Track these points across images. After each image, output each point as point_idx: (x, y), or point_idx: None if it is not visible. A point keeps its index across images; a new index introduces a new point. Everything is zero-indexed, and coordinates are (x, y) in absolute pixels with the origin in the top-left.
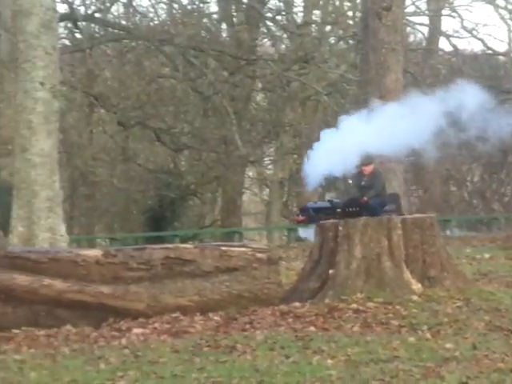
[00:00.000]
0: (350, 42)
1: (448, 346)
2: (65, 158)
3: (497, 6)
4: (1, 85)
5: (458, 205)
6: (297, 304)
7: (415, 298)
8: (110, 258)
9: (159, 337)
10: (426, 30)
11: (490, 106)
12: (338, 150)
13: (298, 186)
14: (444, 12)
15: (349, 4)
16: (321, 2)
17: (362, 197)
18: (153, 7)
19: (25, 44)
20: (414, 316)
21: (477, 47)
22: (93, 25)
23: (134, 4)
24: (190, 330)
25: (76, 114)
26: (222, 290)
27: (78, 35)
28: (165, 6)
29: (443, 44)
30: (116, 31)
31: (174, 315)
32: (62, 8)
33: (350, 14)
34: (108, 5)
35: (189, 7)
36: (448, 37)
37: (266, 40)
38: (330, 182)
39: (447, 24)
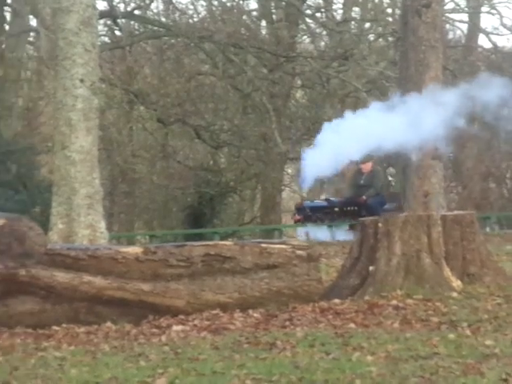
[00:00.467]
0: (390, 39)
1: (488, 342)
2: (104, 155)
3: None
4: (40, 82)
5: (497, 202)
6: (337, 301)
7: (455, 294)
8: (150, 255)
9: (199, 334)
10: (465, 27)
11: None
12: (338, 147)
13: (337, 184)
14: (483, 9)
15: (388, 1)
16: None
17: (361, 195)
18: (192, 4)
19: (64, 41)
20: (454, 313)
21: None
22: (132, 22)
23: (174, 1)
24: (230, 327)
25: (115, 111)
26: (262, 287)
27: (117, 32)
28: (204, 3)
29: (482, 41)
30: (155, 28)
31: (213, 312)
32: (102, 5)
33: (390, 11)
34: (147, 2)
35: (228, 4)
36: (487, 34)
37: (305, 37)
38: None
39: (486, 21)
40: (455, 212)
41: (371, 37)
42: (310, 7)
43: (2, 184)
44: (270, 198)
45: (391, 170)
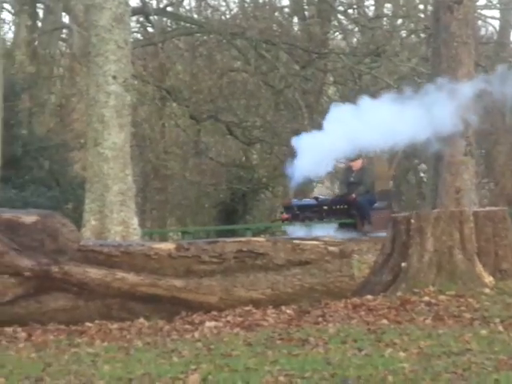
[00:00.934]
0: (422, 35)
1: None
2: (137, 151)
3: None
4: (73, 79)
5: None
6: (369, 297)
7: (487, 290)
8: (183, 251)
9: (232, 330)
10: (497, 23)
11: None
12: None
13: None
14: None
15: None
16: None
17: (351, 193)
18: (224, 1)
19: (97, 38)
20: (486, 309)
21: None
22: (165, 19)
23: None
24: (263, 323)
25: (148, 107)
26: (295, 284)
27: (149, 29)
28: (236, 0)
29: None
30: (188, 25)
31: (246, 308)
32: (135, 2)
33: (422, 7)
34: None
35: (260, 1)
36: None
37: (337, 33)
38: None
39: None
40: (487, 208)
41: (403, 33)
42: (342, 3)
43: (35, 180)
44: (301, 194)
45: (423, 166)
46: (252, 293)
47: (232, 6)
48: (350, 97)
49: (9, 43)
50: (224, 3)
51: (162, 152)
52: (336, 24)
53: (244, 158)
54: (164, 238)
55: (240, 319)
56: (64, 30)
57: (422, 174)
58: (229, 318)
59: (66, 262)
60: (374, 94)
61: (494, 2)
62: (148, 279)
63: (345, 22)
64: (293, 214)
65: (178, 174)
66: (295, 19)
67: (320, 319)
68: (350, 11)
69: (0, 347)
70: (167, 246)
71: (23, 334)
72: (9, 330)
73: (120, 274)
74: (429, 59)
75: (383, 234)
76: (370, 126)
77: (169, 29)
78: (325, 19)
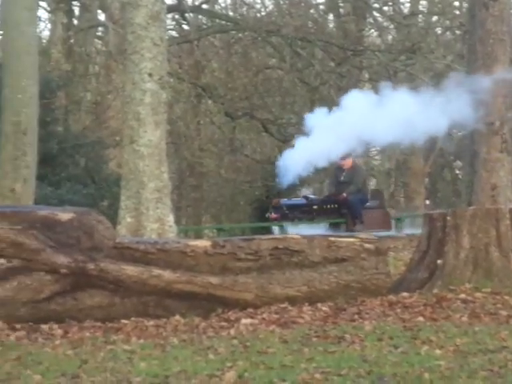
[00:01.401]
0: (457, 32)
1: None
2: (172, 148)
3: None
4: (108, 77)
5: None
6: (405, 294)
7: None
8: (219, 248)
9: (268, 327)
10: None
11: None
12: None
13: (404, 177)
14: None
15: None
16: None
17: (341, 193)
18: None
19: (133, 36)
20: None
21: None
22: (200, 16)
23: None
24: (299, 321)
25: (183, 105)
26: (331, 281)
27: (185, 26)
28: None
29: None
30: (223, 22)
31: (282, 306)
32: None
33: (457, 4)
34: None
35: None
36: None
37: (372, 30)
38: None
39: None
40: None
41: (438, 30)
42: (377, 1)
43: (71, 178)
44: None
45: (458, 163)
46: (288, 290)
47: (267, 3)
48: None
49: (45, 41)
50: (259, 1)
51: (198, 149)
52: (371, 21)
53: (279, 155)
54: (199, 235)
55: (276, 316)
56: (100, 28)
57: (457, 171)
58: (265, 316)
59: (101, 259)
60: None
61: None
62: (184, 276)
63: (380, 19)
64: (282, 213)
65: (213, 172)
66: (330, 16)
67: (356, 316)
68: (386, 8)
69: (36, 344)
70: (203, 244)
71: (59, 331)
72: (45, 326)
73: (156, 271)
74: (464, 56)
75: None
76: (385, 117)
77: (204, 26)
78: (360, 16)
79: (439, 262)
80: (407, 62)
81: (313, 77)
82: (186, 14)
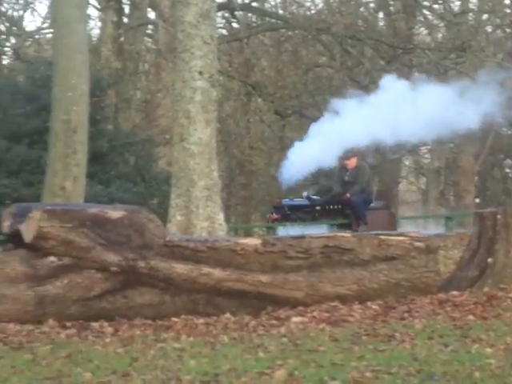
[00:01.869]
0: (508, 30)
1: None
2: (222, 147)
3: None
4: (158, 75)
5: None
6: (455, 293)
7: None
8: (269, 246)
9: (318, 325)
10: None
11: None
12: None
13: (454, 175)
14: None
15: None
16: None
17: (345, 193)
18: None
19: (183, 34)
20: None
21: None
22: (250, 14)
23: None
24: (349, 319)
25: (233, 103)
26: (381, 279)
27: (235, 25)
28: None
29: None
30: (273, 20)
31: (332, 304)
32: None
33: (507, 2)
34: None
35: None
36: None
37: (422, 29)
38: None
39: None
40: None
41: (489, 28)
42: None
43: (121, 176)
44: (387, 189)
45: (508, 161)
46: (338, 288)
47: (317, 1)
48: None
49: (95, 39)
50: None
51: (247, 147)
52: (421, 19)
53: None
54: (249, 233)
55: (326, 315)
56: (150, 26)
57: (507, 170)
58: (315, 314)
59: (152, 257)
60: None
61: None
62: (234, 274)
63: (430, 17)
64: (283, 214)
65: (262, 170)
66: (380, 14)
67: (406, 315)
68: (436, 6)
69: (87, 342)
70: (253, 242)
71: (110, 329)
72: (95, 324)
73: (206, 269)
74: None
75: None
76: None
77: (254, 24)
78: (410, 14)
79: (490, 260)
80: (457, 61)
81: (362, 75)
82: (236, 12)
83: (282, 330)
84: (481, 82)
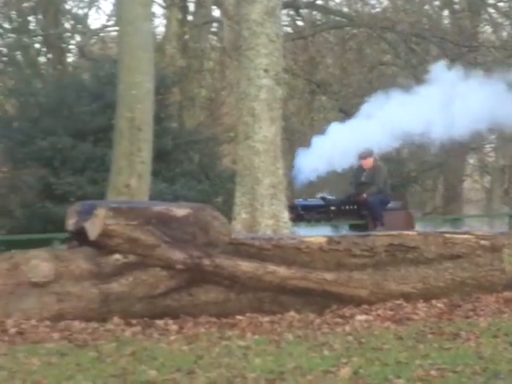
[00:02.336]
0: None
1: None
2: (287, 145)
3: None
4: (223, 73)
5: None
6: None
7: None
8: (334, 244)
9: (383, 323)
10: None
11: None
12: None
13: None
14: None
15: None
16: None
17: (361, 193)
18: None
19: (248, 32)
20: None
21: None
22: (314, 12)
23: None
24: (414, 317)
25: (297, 101)
26: (446, 277)
27: (299, 23)
28: None
29: None
30: (338, 18)
31: (397, 302)
32: None
33: None
34: None
35: None
36: None
37: (487, 27)
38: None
39: None
40: None
41: None
42: None
43: (185, 174)
44: (451, 188)
45: None
46: (403, 286)
47: None
48: None
49: (159, 37)
50: None
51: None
52: (486, 17)
53: (394, 152)
54: None
55: (391, 313)
56: (214, 24)
57: None
58: (379, 312)
59: (217, 255)
60: None
61: None
62: (299, 272)
63: (495, 15)
64: (297, 214)
65: None
66: (445, 12)
67: (471, 313)
68: (501, 4)
69: (151, 340)
70: (318, 240)
71: (174, 327)
72: (160, 322)
73: (271, 267)
74: None
75: None
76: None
77: (318, 22)
78: (475, 12)
79: None
80: None
81: (427, 73)
82: (301, 10)
83: (347, 328)
84: None
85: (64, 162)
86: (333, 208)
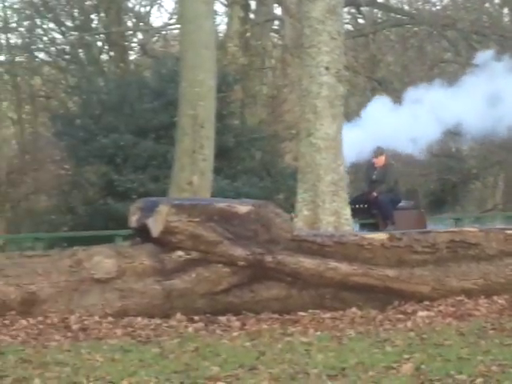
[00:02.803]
0: None
1: None
2: None
3: None
4: (284, 70)
5: None
6: None
7: None
8: (396, 241)
9: (444, 320)
10: None
11: None
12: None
13: None
14: None
15: None
16: None
17: (372, 192)
18: None
19: (310, 29)
20: None
21: None
22: (375, 10)
23: None
24: (475, 313)
25: (359, 98)
26: (507, 274)
27: (360, 20)
28: None
29: None
30: (398, 16)
31: (458, 298)
32: None
33: None
34: None
35: None
36: None
37: None
38: None
39: None
40: None
41: None
42: None
43: (247, 171)
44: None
45: None
46: (464, 283)
47: None
48: None
49: (221, 35)
50: None
51: None
52: None
53: (454, 149)
54: None
55: (452, 309)
56: (276, 22)
57: None
58: (441, 308)
59: (279, 251)
60: None
61: None
62: (361, 269)
63: None
64: None
65: None
66: (505, 10)
67: None
68: None
69: (214, 336)
70: (380, 237)
71: (237, 323)
72: (223, 318)
73: (333, 264)
74: None
75: None
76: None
77: (379, 20)
78: None
79: None
80: None
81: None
82: (362, 8)
83: (409, 324)
84: None
85: (126, 159)
86: None
